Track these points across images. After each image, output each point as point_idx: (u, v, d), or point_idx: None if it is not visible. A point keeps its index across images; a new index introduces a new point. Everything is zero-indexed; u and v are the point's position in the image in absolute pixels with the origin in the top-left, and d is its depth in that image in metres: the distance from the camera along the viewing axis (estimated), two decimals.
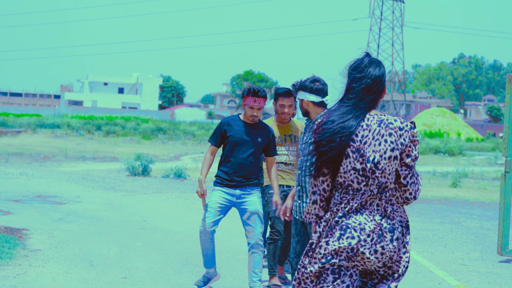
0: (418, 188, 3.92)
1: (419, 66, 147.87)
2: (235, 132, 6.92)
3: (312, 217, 3.94)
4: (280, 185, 7.32)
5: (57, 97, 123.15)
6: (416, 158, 3.87)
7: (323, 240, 3.79)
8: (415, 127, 3.88)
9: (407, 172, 3.86)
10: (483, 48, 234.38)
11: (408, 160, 3.85)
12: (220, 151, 7.16)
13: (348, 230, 3.74)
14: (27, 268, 7.75)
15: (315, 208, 3.91)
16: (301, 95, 6.20)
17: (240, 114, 7.07)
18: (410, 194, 3.89)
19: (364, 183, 3.79)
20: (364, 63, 3.92)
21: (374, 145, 3.79)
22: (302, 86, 6.22)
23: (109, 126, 51.62)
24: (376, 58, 3.98)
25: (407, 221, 3.87)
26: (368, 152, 3.78)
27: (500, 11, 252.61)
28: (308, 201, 3.96)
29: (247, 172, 6.93)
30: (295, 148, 7.43)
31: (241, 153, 6.90)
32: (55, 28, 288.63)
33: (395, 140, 3.80)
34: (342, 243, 3.74)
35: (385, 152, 3.78)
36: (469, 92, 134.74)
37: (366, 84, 3.88)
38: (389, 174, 3.81)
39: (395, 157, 3.80)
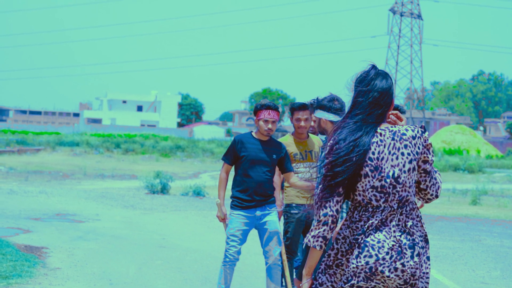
0: (438, 187, 3.86)
1: (438, 83, 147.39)
2: (250, 150, 6.86)
3: (318, 240, 3.74)
4: (301, 205, 7.27)
5: (76, 115, 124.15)
6: (432, 161, 3.79)
7: (344, 258, 3.72)
8: (425, 130, 3.80)
9: (426, 178, 3.81)
10: (503, 65, 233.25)
11: (425, 166, 3.78)
12: (232, 170, 7.07)
13: (366, 249, 3.65)
14: (47, 286, 7.77)
15: (324, 230, 3.72)
16: (319, 114, 6.19)
17: (252, 131, 7.02)
18: (431, 195, 3.85)
19: (384, 199, 3.71)
20: (370, 76, 3.77)
21: (392, 159, 3.71)
22: (320, 105, 6.21)
23: (128, 144, 51.79)
24: (383, 70, 3.84)
25: (426, 234, 3.79)
26: (387, 167, 3.70)
27: None
28: (314, 223, 3.79)
29: (266, 190, 6.87)
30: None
31: (258, 170, 6.83)
32: (74, 46, 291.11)
33: (411, 151, 3.72)
34: (360, 262, 3.65)
35: (404, 165, 3.71)
36: (488, 109, 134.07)
37: (373, 98, 3.74)
38: (409, 187, 3.73)
39: (414, 168, 3.73)
